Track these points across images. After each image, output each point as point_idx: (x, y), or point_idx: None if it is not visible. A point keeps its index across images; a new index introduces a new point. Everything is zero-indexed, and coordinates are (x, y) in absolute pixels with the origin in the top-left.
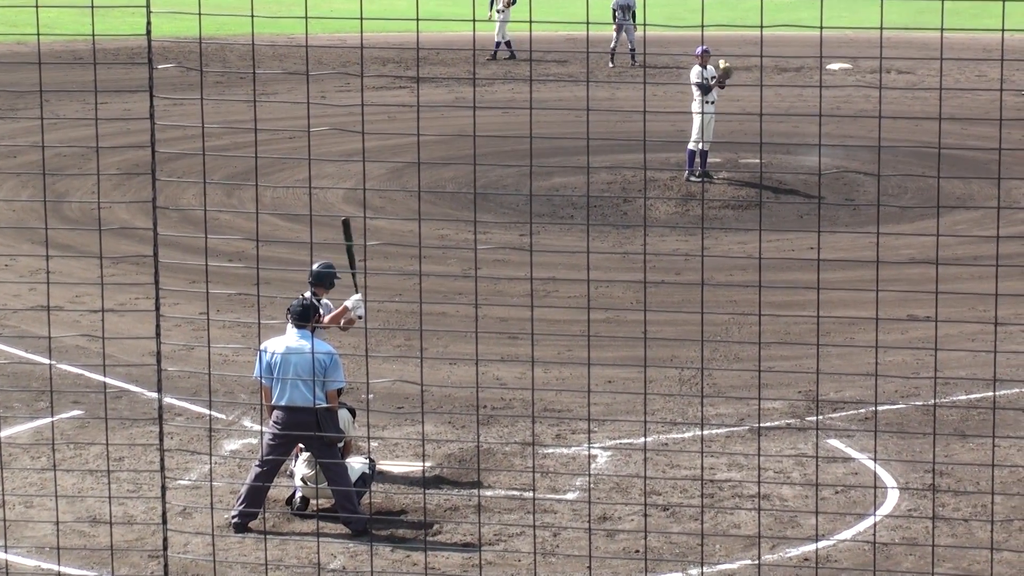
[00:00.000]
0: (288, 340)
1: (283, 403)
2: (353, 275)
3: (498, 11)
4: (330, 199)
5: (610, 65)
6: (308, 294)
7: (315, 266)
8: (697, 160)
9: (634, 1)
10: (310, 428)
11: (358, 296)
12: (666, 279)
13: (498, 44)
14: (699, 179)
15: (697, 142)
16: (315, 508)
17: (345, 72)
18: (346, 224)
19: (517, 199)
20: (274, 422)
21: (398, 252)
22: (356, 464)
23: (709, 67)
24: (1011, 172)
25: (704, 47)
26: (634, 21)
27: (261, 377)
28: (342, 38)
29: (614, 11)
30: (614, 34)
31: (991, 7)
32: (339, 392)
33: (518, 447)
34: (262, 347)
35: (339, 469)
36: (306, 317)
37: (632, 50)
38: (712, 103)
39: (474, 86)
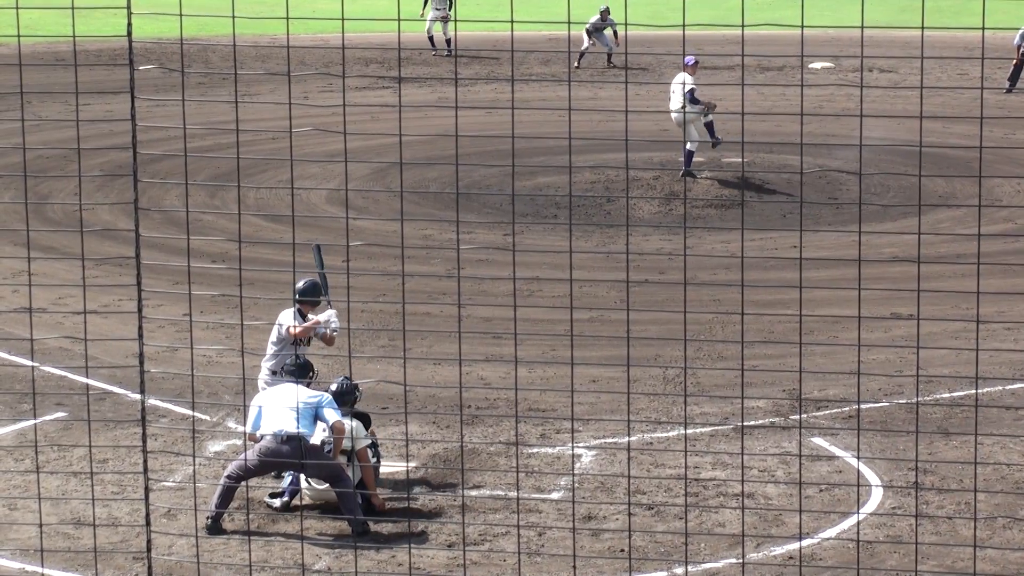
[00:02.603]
0: (282, 388)
1: (269, 432)
2: (328, 300)
3: (435, 8)
4: (313, 200)
5: (575, 66)
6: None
7: (300, 284)
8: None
9: (613, 22)
10: (294, 458)
11: (332, 311)
12: (650, 278)
13: (433, 39)
14: (682, 178)
15: (695, 142)
16: (299, 502)
17: (327, 72)
18: (318, 250)
19: (500, 199)
20: (259, 452)
21: (381, 252)
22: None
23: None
24: (993, 170)
25: (694, 58)
26: (613, 35)
27: (257, 430)
28: (324, 38)
29: (588, 29)
30: (584, 38)
31: (972, 6)
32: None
33: (502, 447)
34: (254, 400)
35: (336, 471)
36: (302, 375)
37: (609, 53)
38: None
39: (456, 86)
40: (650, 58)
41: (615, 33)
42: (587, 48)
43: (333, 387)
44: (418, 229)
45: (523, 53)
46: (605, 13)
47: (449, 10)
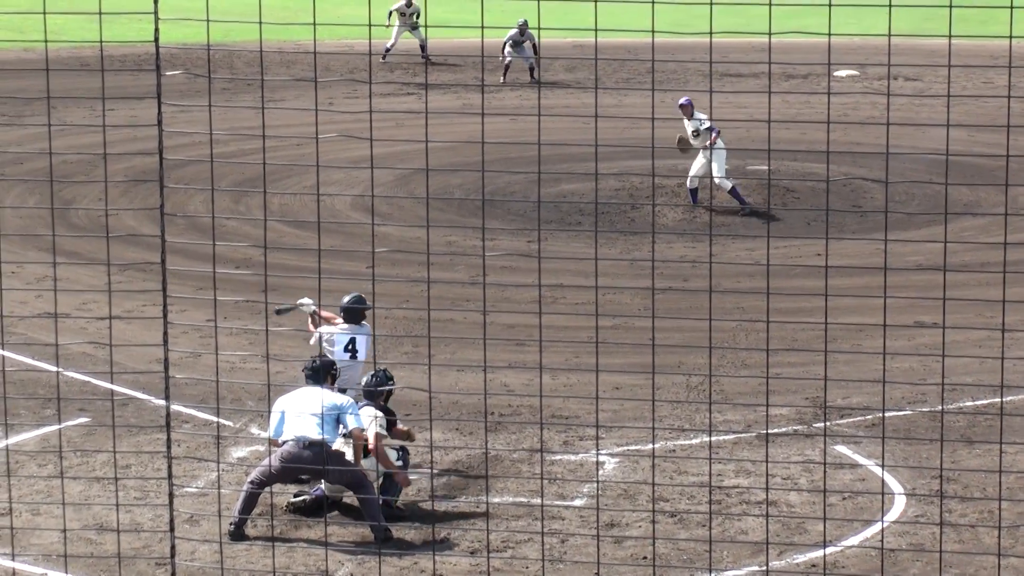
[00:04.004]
0: (304, 391)
1: (291, 437)
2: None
3: (400, 14)
4: (338, 206)
5: (500, 81)
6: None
7: (346, 299)
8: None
9: (532, 36)
10: (317, 464)
11: (308, 300)
12: (673, 286)
13: (387, 50)
14: (745, 213)
15: (697, 176)
16: (313, 495)
17: (353, 79)
18: (283, 311)
19: (525, 206)
20: (281, 457)
21: (406, 259)
22: (391, 453)
23: (697, 116)
24: (1018, 179)
25: (683, 100)
26: (532, 49)
27: (280, 436)
28: (350, 44)
29: (505, 44)
30: (503, 52)
31: (998, 14)
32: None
33: (526, 454)
34: (276, 404)
35: (358, 477)
36: (321, 375)
37: (531, 67)
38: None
39: (482, 92)
40: (674, 65)
41: (535, 47)
42: (509, 62)
43: (366, 379)
44: (442, 236)
45: (548, 60)
46: (523, 27)
47: (416, 18)
